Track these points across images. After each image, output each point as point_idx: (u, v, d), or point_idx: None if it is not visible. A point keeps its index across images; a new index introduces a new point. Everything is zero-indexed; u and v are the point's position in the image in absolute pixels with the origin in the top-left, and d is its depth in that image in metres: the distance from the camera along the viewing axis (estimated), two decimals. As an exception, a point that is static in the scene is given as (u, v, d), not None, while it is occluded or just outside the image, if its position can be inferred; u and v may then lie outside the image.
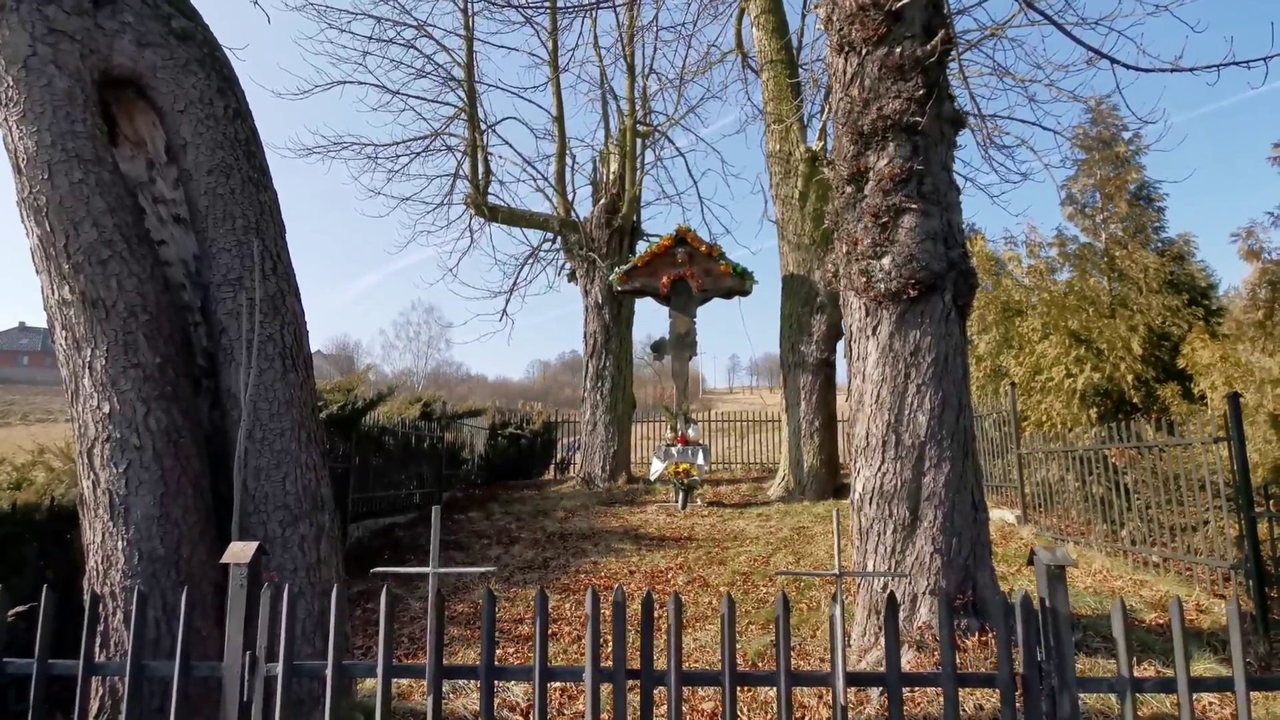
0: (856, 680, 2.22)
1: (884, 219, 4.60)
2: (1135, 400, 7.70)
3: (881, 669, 4.26)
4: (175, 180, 3.43)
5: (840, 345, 12.39)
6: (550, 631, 5.29)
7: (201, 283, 3.35)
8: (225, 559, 2.00)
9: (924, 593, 4.34)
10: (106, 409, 2.87)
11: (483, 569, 2.20)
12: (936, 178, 4.73)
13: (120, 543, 2.82)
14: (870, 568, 4.56)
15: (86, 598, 2.91)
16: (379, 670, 1.83)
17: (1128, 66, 4.73)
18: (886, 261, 4.57)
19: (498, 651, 4.89)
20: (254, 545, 1.99)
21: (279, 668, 1.86)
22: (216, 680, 2.01)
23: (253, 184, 3.36)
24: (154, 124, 3.48)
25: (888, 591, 4.51)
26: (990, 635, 4.18)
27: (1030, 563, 1.92)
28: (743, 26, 16.57)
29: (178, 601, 2.72)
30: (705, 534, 8.78)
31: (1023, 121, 13.85)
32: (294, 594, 3.14)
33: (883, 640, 4.39)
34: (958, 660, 4.18)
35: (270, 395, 3.14)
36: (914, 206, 4.57)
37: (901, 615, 4.36)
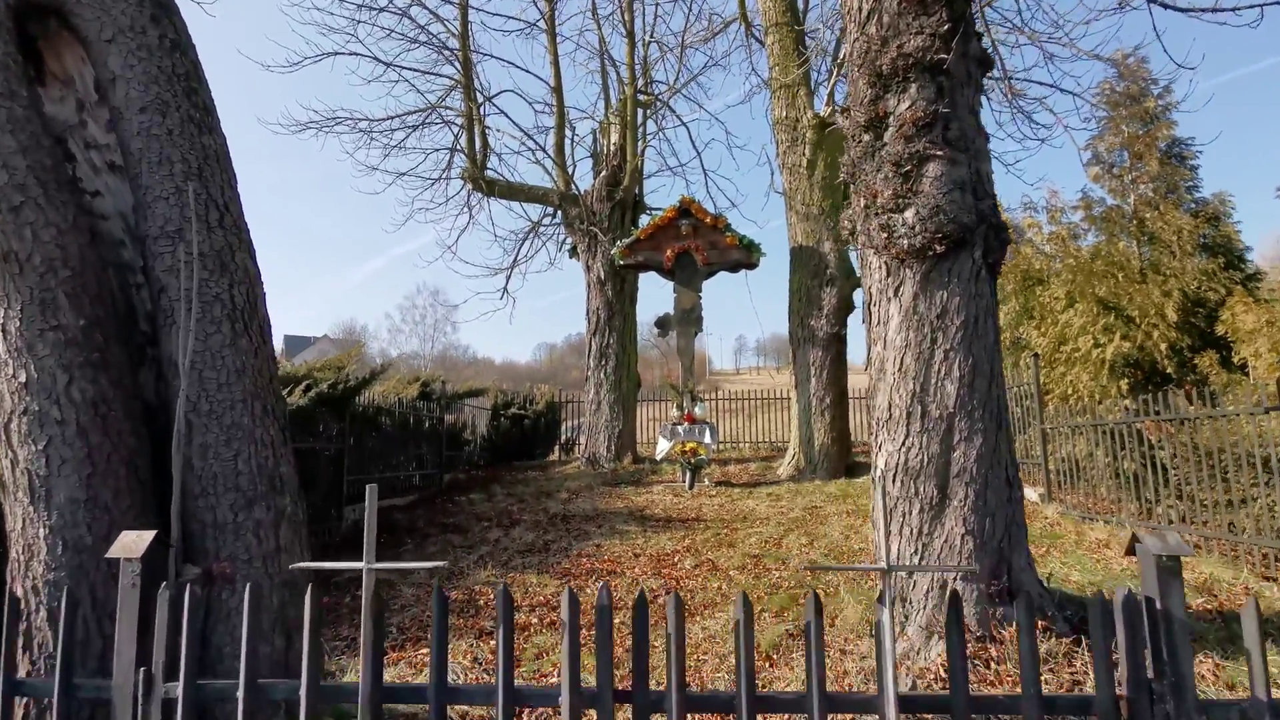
0: (911, 705, 1.79)
1: (906, 168, 4.17)
2: (1169, 370, 7.26)
3: (909, 663, 3.91)
4: (108, 123, 3.04)
5: (851, 320, 11.98)
6: (548, 620, 4.96)
7: (141, 237, 2.97)
8: (113, 552, 1.63)
9: (954, 578, 3.96)
10: (23, 377, 2.50)
11: (430, 564, 1.81)
12: (963, 122, 4.29)
13: (42, 530, 2.47)
14: (894, 551, 4.18)
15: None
16: (302, 692, 1.47)
17: (1166, 6, 4.31)
18: (910, 214, 4.15)
19: (490, 642, 4.56)
20: (149, 535, 1.62)
21: (179, 688, 1.50)
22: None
23: (194, 124, 2.96)
24: (82, 59, 3.08)
25: (939, 583, 4.15)
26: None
27: (1131, 552, 1.53)
28: (747, -7, 16.00)
29: (110, 596, 2.37)
30: (713, 515, 8.44)
31: (1040, 83, 13.24)
32: (256, 589, 2.79)
33: (909, 632, 4.04)
34: (994, 654, 3.82)
35: (217, 363, 2.77)
36: (939, 153, 4.14)
37: (929, 603, 3.99)
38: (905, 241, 4.12)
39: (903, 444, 4.19)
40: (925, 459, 4.11)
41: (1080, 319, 7.71)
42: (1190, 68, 4.79)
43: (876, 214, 4.27)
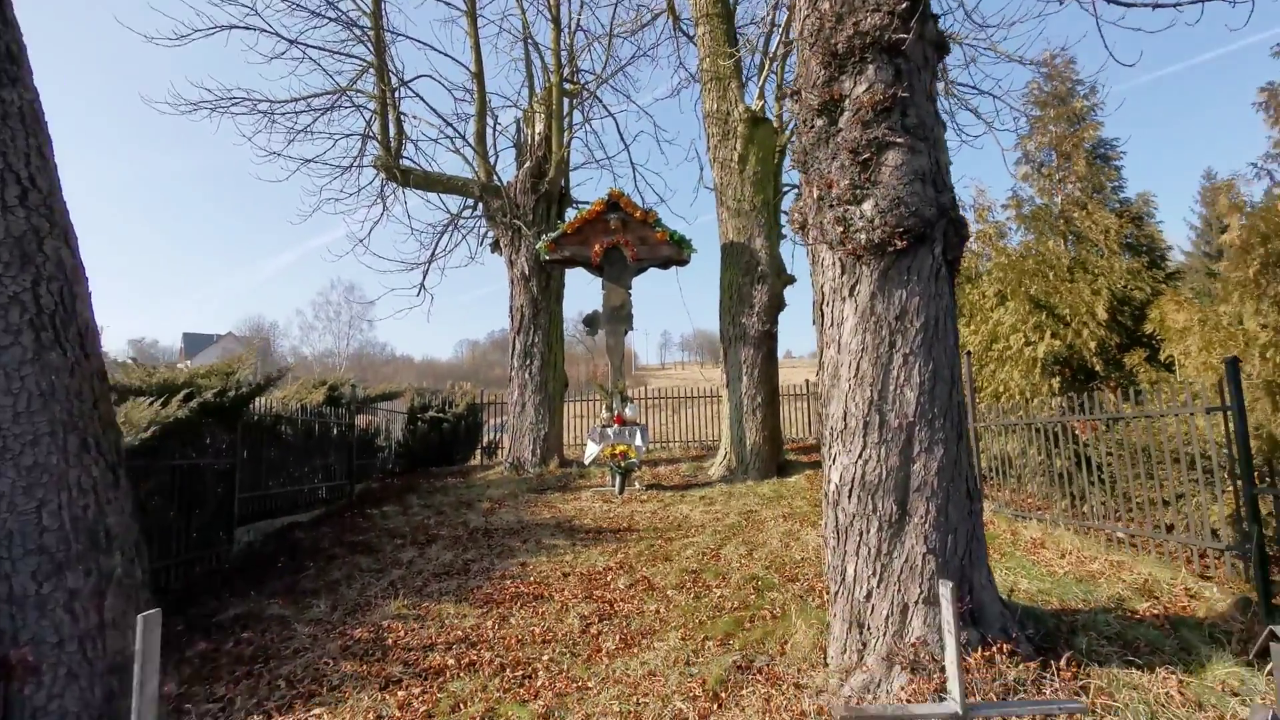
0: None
1: (864, 155, 3.82)
2: (1097, 368, 7.33)
3: (870, 697, 3.56)
4: None
5: (782, 317, 11.79)
6: (467, 660, 4.39)
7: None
8: None
9: (916, 601, 3.65)
10: None
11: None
12: (921, 109, 3.99)
13: None
14: (851, 571, 3.84)
15: None
16: None
17: (1110, 0, 4.20)
18: (868, 206, 3.80)
19: (398, 693, 3.96)
20: None
21: None
22: None
23: (-14, 69, 2.25)
24: None
25: (899, 606, 3.81)
26: (995, 650, 3.54)
27: (1263, 655, 1.16)
28: (674, -14, 15.66)
29: None
30: (646, 523, 8.01)
31: (963, 85, 13.43)
32: (62, 678, 2.14)
33: (868, 662, 3.69)
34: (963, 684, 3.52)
35: (14, 385, 2.09)
36: (899, 141, 3.81)
37: (890, 629, 3.67)
38: (863, 235, 3.78)
39: (859, 456, 3.85)
40: (884, 472, 3.79)
41: (1011, 317, 7.71)
42: (1128, 64, 4.69)
43: (832, 205, 3.91)
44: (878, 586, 3.75)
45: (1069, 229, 7.92)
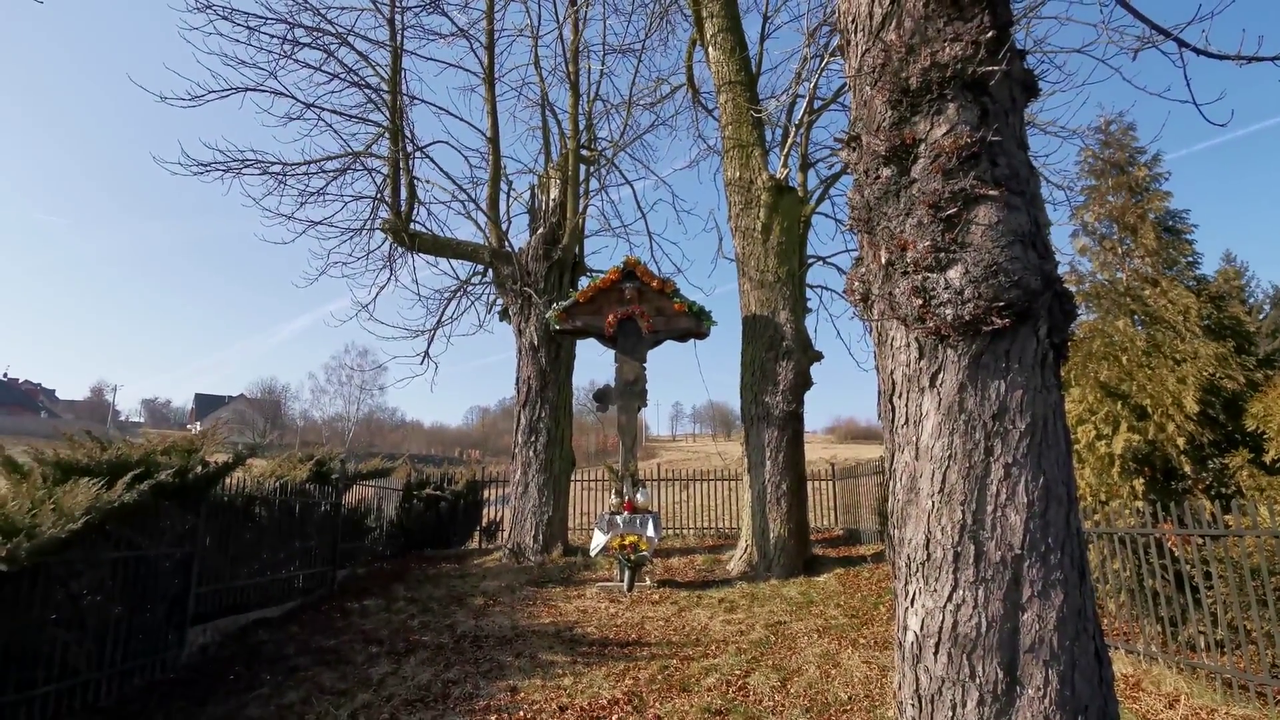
0: None
1: (949, 210, 3.04)
2: (1185, 469, 6.36)
3: None
4: None
5: (808, 396, 10.94)
6: None
7: None
8: None
9: (1038, 816, 2.65)
10: None
11: None
12: (1013, 157, 3.24)
13: None
14: (941, 762, 2.85)
15: None
16: None
17: (1196, 51, 3.48)
18: (955, 274, 3.00)
19: None
20: None
21: None
22: None
23: None
24: None
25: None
26: None
27: None
28: (693, 61, 15.60)
29: None
30: (658, 634, 6.95)
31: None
32: None
33: None
34: None
35: None
36: (991, 193, 3.04)
37: None
38: (949, 311, 2.96)
39: (948, 599, 2.91)
40: (983, 623, 2.84)
41: (1078, 406, 6.81)
42: (1220, 124, 3.93)
43: (907, 272, 3.10)
44: (976, 781, 2.75)
45: (1141, 308, 7.10)
